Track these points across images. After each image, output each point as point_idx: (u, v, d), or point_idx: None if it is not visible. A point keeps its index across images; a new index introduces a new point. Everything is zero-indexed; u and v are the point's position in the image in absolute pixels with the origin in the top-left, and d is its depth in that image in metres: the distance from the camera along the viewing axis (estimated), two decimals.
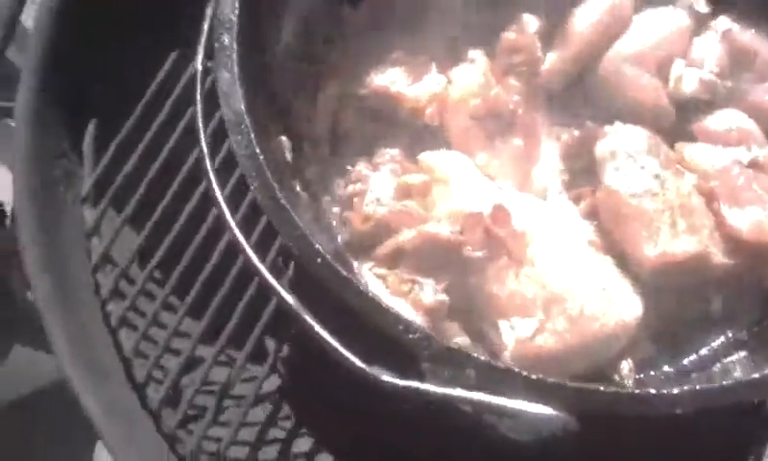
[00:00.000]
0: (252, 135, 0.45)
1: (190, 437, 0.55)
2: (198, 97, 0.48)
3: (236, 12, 0.49)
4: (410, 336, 0.41)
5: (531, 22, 0.60)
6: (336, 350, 0.41)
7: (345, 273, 0.43)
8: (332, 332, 0.41)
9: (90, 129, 0.65)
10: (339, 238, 0.56)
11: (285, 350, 0.58)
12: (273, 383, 0.59)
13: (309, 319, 0.41)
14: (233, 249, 0.46)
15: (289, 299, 0.42)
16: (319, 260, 0.43)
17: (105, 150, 0.63)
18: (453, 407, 0.42)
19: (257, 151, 0.44)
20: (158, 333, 0.60)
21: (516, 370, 0.42)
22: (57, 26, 0.60)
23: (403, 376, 0.40)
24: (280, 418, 0.59)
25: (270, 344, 0.59)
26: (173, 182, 0.62)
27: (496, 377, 0.41)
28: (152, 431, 0.54)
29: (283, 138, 0.55)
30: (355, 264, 0.55)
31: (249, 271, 0.44)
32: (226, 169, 0.54)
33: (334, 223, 0.57)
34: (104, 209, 0.62)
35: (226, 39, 0.48)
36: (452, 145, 0.60)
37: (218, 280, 0.59)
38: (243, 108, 0.46)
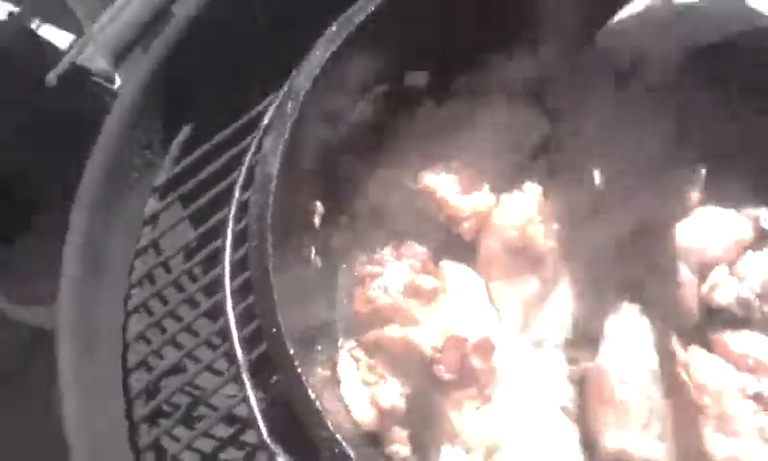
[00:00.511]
0: (271, 196, 0.49)
1: (151, 430, 0.60)
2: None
3: (310, 83, 0.54)
4: (321, 432, 0.44)
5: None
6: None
7: (291, 354, 0.45)
8: None
9: (184, 130, 0.72)
10: (337, 310, 0.60)
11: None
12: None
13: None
14: None
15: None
16: (274, 332, 0.46)
17: (188, 155, 0.70)
18: None
19: (269, 214, 0.49)
20: (171, 325, 0.65)
21: None
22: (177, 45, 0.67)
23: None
24: (243, 441, 0.63)
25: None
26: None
27: None
28: (119, 415, 0.60)
29: (318, 204, 0.59)
30: (340, 340, 0.58)
31: None
32: None
33: (342, 294, 0.61)
34: (169, 203, 0.69)
35: (289, 106, 0.53)
36: (476, 263, 0.62)
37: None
38: (275, 170, 0.50)
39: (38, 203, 1.03)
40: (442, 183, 0.63)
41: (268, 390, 0.53)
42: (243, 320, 0.55)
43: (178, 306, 0.65)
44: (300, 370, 0.45)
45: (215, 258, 0.64)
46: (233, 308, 0.53)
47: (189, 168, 0.69)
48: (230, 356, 0.53)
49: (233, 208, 0.54)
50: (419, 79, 0.64)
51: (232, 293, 0.51)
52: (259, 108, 0.70)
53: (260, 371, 0.55)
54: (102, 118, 0.65)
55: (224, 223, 0.59)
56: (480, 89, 0.66)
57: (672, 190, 0.60)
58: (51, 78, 0.64)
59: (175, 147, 0.71)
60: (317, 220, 0.59)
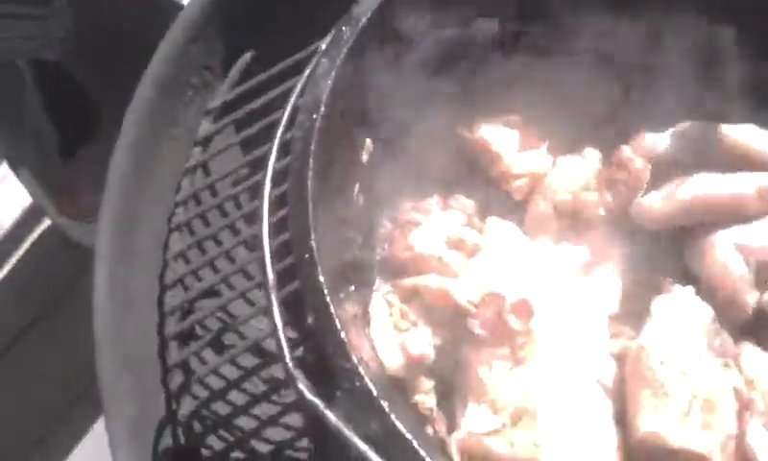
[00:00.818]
0: (318, 119, 0.47)
1: (181, 349, 0.60)
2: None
3: (370, 13, 0.52)
4: (344, 364, 0.42)
5: (654, 145, 0.58)
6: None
7: (320, 281, 0.44)
8: None
9: (245, 57, 0.71)
10: (375, 253, 0.58)
11: None
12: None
13: None
14: None
15: None
16: (306, 257, 0.45)
17: (246, 81, 0.69)
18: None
19: (313, 138, 0.47)
20: (211, 248, 0.64)
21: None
22: None
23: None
24: (270, 375, 0.62)
25: None
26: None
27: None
28: (152, 329, 0.60)
29: (368, 140, 0.57)
30: (377, 281, 0.57)
31: None
32: None
33: (382, 238, 0.59)
34: (220, 128, 0.68)
35: (345, 33, 0.51)
36: (524, 224, 0.59)
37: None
38: (324, 95, 0.49)
39: (99, 118, 1.04)
40: (498, 137, 0.60)
41: (297, 326, 0.53)
42: (279, 255, 0.54)
43: (220, 231, 0.65)
44: (328, 298, 0.43)
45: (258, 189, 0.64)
46: (270, 240, 0.52)
47: (245, 94, 0.68)
48: (263, 288, 0.53)
49: (277, 141, 0.52)
50: (488, 27, 0.61)
51: (271, 225, 0.49)
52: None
53: (291, 306, 0.55)
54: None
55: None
56: (551, 48, 0.63)
57: None
58: None
59: (235, 71, 0.70)
60: (365, 156, 0.57)
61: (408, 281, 0.56)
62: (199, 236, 0.64)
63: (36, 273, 1.46)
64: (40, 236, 1.49)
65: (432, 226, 0.58)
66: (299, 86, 0.53)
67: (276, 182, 0.58)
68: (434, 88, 0.61)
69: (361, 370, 0.42)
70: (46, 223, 1.46)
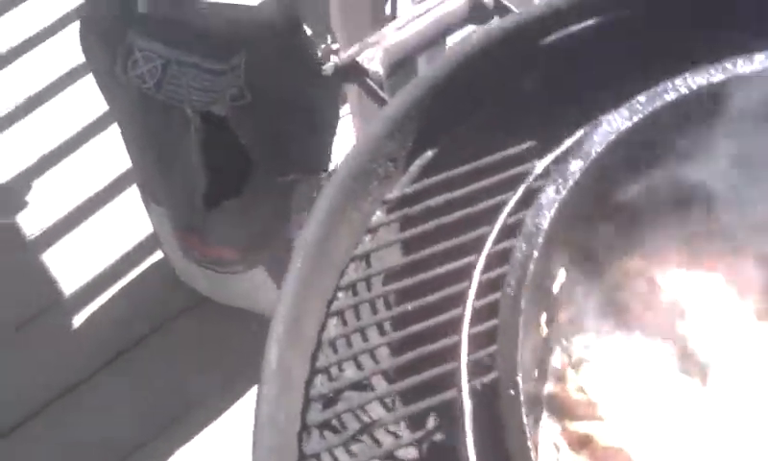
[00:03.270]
0: (536, 251, 0.46)
1: (318, 439, 0.58)
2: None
3: (603, 147, 0.51)
4: None
5: None
6: None
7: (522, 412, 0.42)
8: None
9: (427, 154, 0.71)
10: (547, 384, 0.55)
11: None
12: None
13: None
14: None
15: None
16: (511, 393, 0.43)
17: (427, 177, 0.69)
18: None
19: (530, 271, 0.46)
20: (357, 343, 0.64)
21: None
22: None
23: None
24: None
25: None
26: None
27: None
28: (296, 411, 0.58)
29: (563, 269, 0.55)
30: (544, 415, 0.54)
31: None
32: None
33: (555, 371, 0.57)
34: (393, 220, 0.68)
35: (574, 164, 0.50)
36: None
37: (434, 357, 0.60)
38: (546, 225, 0.47)
39: (249, 176, 1.06)
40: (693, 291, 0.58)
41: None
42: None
43: (368, 327, 0.64)
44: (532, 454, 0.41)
45: (413, 292, 0.63)
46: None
47: (423, 191, 0.68)
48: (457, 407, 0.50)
49: (484, 254, 0.51)
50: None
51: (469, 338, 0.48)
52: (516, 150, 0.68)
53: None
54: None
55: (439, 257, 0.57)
56: None
57: None
58: (329, 67, 0.65)
59: (416, 166, 0.70)
60: (556, 287, 0.55)
61: (579, 429, 0.53)
62: (349, 328, 0.64)
63: (138, 304, 1.48)
64: (150, 268, 1.52)
65: (611, 367, 0.55)
66: (510, 204, 0.52)
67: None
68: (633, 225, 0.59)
69: None
70: (156, 256, 1.49)
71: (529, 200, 0.52)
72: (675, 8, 0.69)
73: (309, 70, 0.98)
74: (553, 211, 0.46)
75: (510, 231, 0.56)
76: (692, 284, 0.58)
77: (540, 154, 0.62)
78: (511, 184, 0.66)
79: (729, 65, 0.50)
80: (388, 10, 1.03)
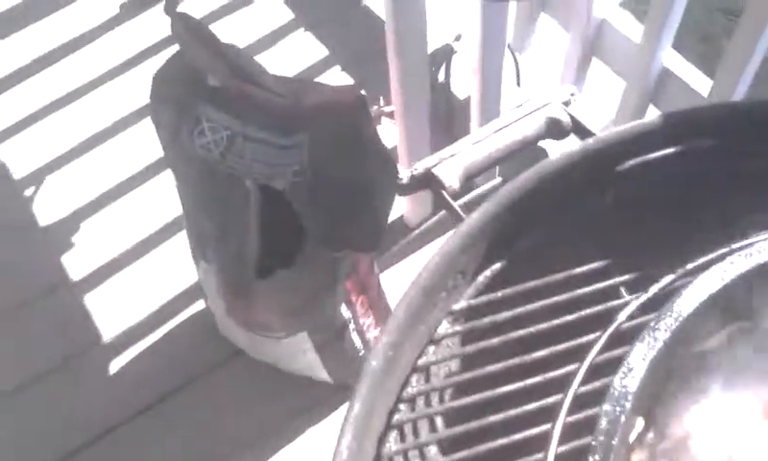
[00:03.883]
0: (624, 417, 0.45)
1: None
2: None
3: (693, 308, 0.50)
4: None
5: None
6: None
7: None
8: None
9: (495, 266, 0.70)
10: None
11: None
12: None
13: None
14: None
15: None
16: None
17: (491, 291, 0.68)
18: None
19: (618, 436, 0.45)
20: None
21: None
22: None
23: None
24: None
25: None
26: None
27: None
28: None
29: (641, 419, 0.54)
30: None
31: None
32: None
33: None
34: (457, 331, 0.67)
35: (665, 324, 0.49)
36: None
37: None
38: (636, 388, 0.46)
39: (302, 249, 1.06)
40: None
41: None
42: None
43: (426, 446, 0.63)
44: None
45: (473, 412, 0.62)
46: None
47: (490, 304, 0.68)
48: None
49: (570, 396, 0.50)
50: None
51: None
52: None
53: None
54: None
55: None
56: None
57: None
58: (405, 175, 0.65)
59: (483, 278, 0.70)
60: (632, 436, 0.54)
61: None
62: (407, 444, 0.63)
63: (177, 352, 1.49)
64: (191, 317, 1.53)
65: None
66: (598, 346, 0.51)
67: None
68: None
69: None
70: (198, 306, 1.50)
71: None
72: (756, 139, 0.69)
73: (370, 153, 0.99)
74: (642, 374, 0.45)
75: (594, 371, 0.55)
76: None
77: (609, 275, 0.62)
78: (577, 305, 0.66)
79: None
80: None
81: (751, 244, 0.52)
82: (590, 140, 0.66)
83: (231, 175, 1.00)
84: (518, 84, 1.75)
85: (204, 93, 0.98)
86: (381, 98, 1.69)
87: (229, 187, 1.01)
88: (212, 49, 0.99)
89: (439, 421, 0.64)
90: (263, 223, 1.01)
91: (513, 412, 0.61)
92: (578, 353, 0.64)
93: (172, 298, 1.52)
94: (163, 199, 1.53)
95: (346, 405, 0.60)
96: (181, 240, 1.37)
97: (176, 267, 1.51)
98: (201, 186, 1.04)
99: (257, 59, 1.03)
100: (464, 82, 1.72)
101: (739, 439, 0.58)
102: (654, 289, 0.56)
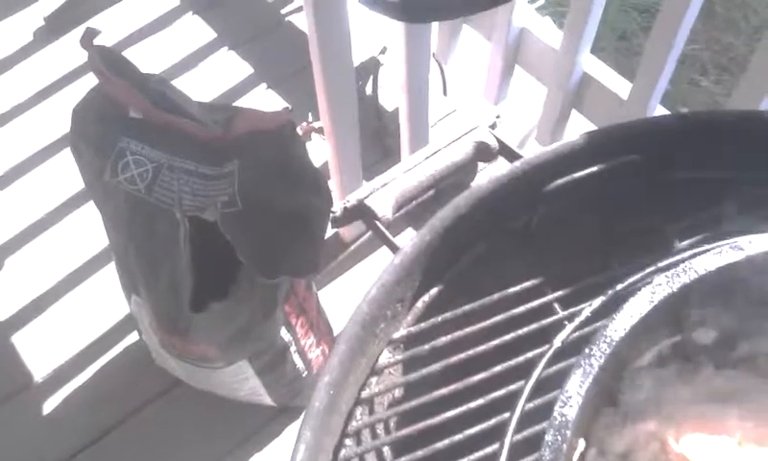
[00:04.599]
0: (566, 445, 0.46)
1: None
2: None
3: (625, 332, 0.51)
4: None
5: None
6: None
7: None
8: None
9: (432, 291, 0.71)
10: None
11: None
12: None
13: None
14: None
15: None
16: None
17: (432, 316, 0.69)
18: None
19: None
20: None
21: None
22: None
23: None
24: None
25: None
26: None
27: None
28: None
29: (582, 441, 0.55)
30: None
31: None
32: None
33: None
34: (399, 360, 0.67)
35: (599, 349, 0.50)
36: None
37: None
38: (574, 415, 0.47)
39: (236, 280, 1.04)
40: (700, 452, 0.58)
41: None
42: None
43: None
44: None
45: (421, 440, 0.62)
46: None
47: (427, 330, 0.68)
48: None
49: (516, 416, 0.51)
50: (706, 337, 0.60)
51: None
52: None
53: None
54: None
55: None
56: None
57: None
58: (338, 208, 0.65)
59: (421, 303, 0.70)
60: (575, 457, 0.55)
61: None
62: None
63: (113, 387, 1.45)
64: (125, 350, 1.49)
65: None
66: (539, 368, 0.52)
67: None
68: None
69: None
70: (132, 338, 1.46)
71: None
72: (680, 151, 0.71)
73: (302, 178, 0.98)
74: (580, 402, 0.46)
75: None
76: (706, 447, 0.58)
77: (543, 293, 0.63)
78: (514, 324, 0.67)
79: (743, 244, 0.51)
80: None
81: (676, 263, 0.53)
82: (517, 163, 0.67)
83: (160, 208, 0.98)
84: (445, 94, 1.77)
85: (126, 126, 0.96)
86: (310, 114, 1.68)
87: (158, 221, 0.99)
88: (132, 80, 0.97)
89: (386, 451, 0.64)
90: (195, 255, 0.99)
91: (458, 437, 0.62)
92: (517, 372, 0.65)
93: (105, 331, 1.48)
94: (89, 230, 1.48)
95: (291, 428, 0.59)
96: (111, 271, 1.33)
97: (106, 299, 1.47)
98: (128, 221, 1.02)
99: (181, 81, 1.01)
100: (392, 93, 1.73)
101: (676, 452, 0.60)
102: (587, 311, 0.57)
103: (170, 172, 0.96)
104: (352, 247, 1.52)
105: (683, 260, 0.54)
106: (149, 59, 1.75)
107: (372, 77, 1.76)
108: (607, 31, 2.20)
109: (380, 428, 0.67)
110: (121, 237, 1.06)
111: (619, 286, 0.58)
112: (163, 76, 1.05)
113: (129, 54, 1.62)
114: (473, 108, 1.67)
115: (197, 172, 0.96)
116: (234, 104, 1.73)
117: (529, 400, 0.54)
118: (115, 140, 0.96)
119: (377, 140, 1.69)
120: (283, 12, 1.91)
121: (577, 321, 0.56)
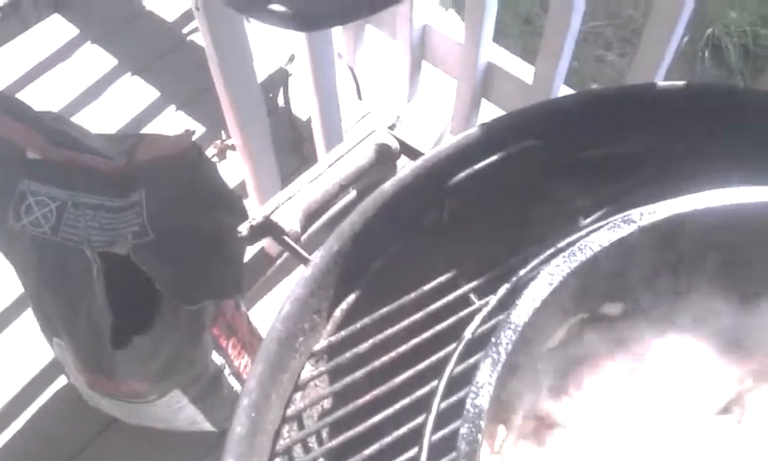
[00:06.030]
0: (480, 435, 0.47)
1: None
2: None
3: (530, 314, 0.52)
4: None
5: None
6: None
7: None
8: None
9: (349, 298, 0.70)
10: None
11: None
12: None
13: None
14: None
15: None
16: None
17: (350, 324, 0.68)
18: None
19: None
20: None
21: None
22: None
23: None
24: None
25: None
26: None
27: None
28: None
29: (502, 427, 0.56)
30: None
31: None
32: None
33: None
34: (322, 372, 0.67)
35: (506, 335, 0.50)
36: None
37: None
38: (486, 405, 0.47)
39: (158, 311, 1.02)
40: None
41: None
42: None
43: None
44: None
45: (354, 447, 0.62)
46: None
47: (348, 338, 0.68)
48: None
49: (433, 417, 0.51)
50: (614, 309, 0.62)
51: None
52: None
53: None
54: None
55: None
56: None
57: None
58: (244, 228, 0.64)
59: (339, 312, 0.70)
60: (497, 445, 0.56)
61: None
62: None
63: (48, 434, 1.40)
64: (55, 395, 1.44)
65: None
66: (451, 364, 0.52)
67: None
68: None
69: None
70: (61, 382, 1.42)
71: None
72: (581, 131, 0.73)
73: (213, 199, 0.97)
74: (492, 391, 0.47)
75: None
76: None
77: (458, 285, 0.64)
78: (433, 320, 0.67)
79: (635, 216, 0.53)
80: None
81: (573, 242, 0.55)
82: (419, 161, 0.68)
83: (69, 247, 0.95)
84: (360, 97, 1.77)
85: (24, 168, 0.93)
86: (223, 131, 1.66)
87: (70, 260, 0.96)
88: (27, 121, 0.94)
89: None
90: (112, 291, 0.97)
91: (385, 440, 0.62)
92: (438, 368, 0.65)
93: (33, 377, 1.43)
94: (3, 277, 1.43)
95: None
96: (30, 316, 1.29)
97: (31, 344, 1.42)
98: (37, 265, 0.98)
99: (86, 113, 0.98)
100: (304, 102, 1.73)
101: (596, 431, 0.61)
102: (493, 301, 0.58)
103: (75, 209, 0.93)
104: (279, 262, 1.51)
105: (581, 238, 0.55)
106: (49, 95, 1.69)
107: (282, 87, 1.75)
108: (511, 16, 2.24)
109: (313, 441, 0.66)
110: (32, 282, 1.03)
111: (522, 271, 0.59)
112: (63, 112, 1.03)
113: (26, 93, 1.57)
114: (384, 109, 1.67)
115: (103, 206, 0.93)
116: (145, 129, 1.69)
117: (445, 397, 0.54)
118: (15, 184, 0.93)
119: (294, 150, 1.68)
120: (185, 31, 1.88)
121: (485, 311, 0.56)
